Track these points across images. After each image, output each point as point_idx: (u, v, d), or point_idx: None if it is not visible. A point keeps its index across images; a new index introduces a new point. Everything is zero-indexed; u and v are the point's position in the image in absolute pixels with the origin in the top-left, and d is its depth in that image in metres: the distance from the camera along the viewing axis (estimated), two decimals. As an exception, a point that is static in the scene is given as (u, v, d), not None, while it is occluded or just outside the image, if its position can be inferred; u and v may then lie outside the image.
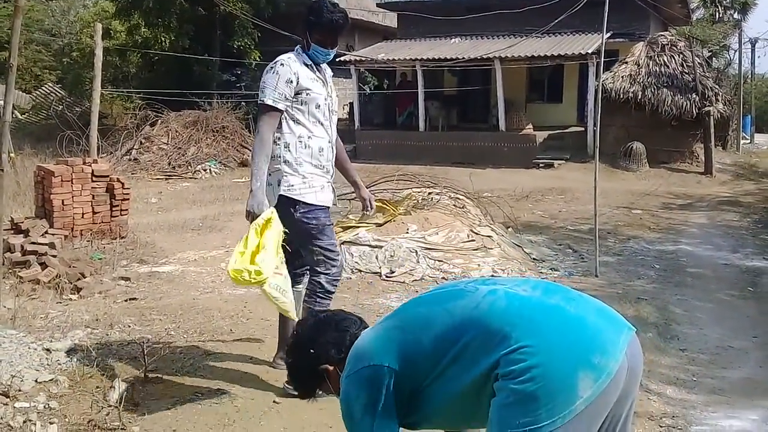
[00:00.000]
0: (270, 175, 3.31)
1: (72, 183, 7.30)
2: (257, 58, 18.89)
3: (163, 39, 17.83)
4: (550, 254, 7.61)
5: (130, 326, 4.52)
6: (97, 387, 3.12)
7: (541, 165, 16.09)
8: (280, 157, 3.32)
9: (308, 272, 3.53)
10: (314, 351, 1.97)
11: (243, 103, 17.71)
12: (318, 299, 3.38)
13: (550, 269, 6.94)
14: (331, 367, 1.95)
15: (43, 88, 22.04)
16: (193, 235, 8.52)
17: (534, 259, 7.31)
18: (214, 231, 8.72)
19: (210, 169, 14.88)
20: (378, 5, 22.10)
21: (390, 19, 22.69)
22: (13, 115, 22.29)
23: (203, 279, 6.38)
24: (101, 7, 23.85)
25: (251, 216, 3.18)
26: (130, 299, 5.83)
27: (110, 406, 2.92)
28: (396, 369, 1.77)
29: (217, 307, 5.22)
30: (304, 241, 3.40)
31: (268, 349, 3.90)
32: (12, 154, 12.47)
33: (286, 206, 3.31)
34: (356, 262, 6.40)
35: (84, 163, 7.51)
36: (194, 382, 3.33)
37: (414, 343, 1.79)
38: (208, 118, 16.03)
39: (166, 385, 3.29)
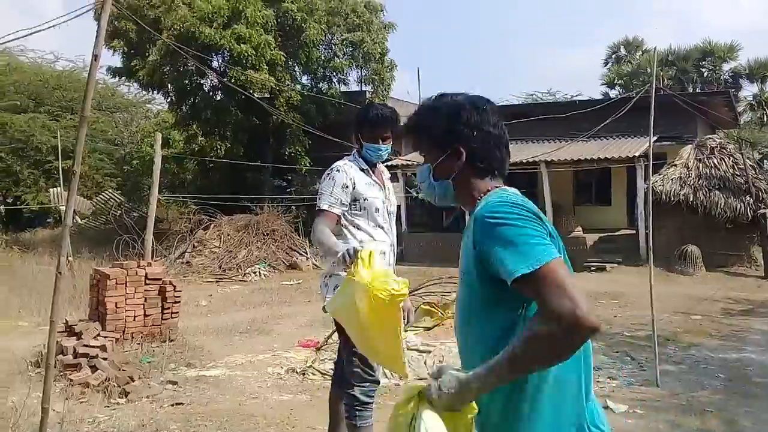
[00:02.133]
0: (329, 277, 3.30)
1: (126, 286, 7.45)
2: (307, 164, 19.51)
3: (218, 147, 18.65)
4: (606, 362, 7.29)
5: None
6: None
7: (592, 268, 15.78)
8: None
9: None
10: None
11: (293, 207, 18.14)
12: (358, 413, 3.26)
13: (608, 378, 6.63)
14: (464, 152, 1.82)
15: (103, 194, 23.03)
16: (241, 338, 8.51)
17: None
18: (262, 334, 8.71)
19: (259, 272, 15.06)
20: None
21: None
22: (74, 220, 23.30)
23: (250, 384, 6.30)
24: (162, 118, 25.25)
25: (345, 258, 2.82)
26: (176, 404, 5.76)
27: None
28: None
29: (262, 413, 5.11)
30: (348, 349, 3.31)
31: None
32: (70, 258, 12.90)
33: None
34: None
35: (138, 266, 7.68)
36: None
37: None
38: (258, 221, 16.44)
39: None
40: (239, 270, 15.06)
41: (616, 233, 17.80)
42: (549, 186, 17.19)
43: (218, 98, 20.00)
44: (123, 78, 21.11)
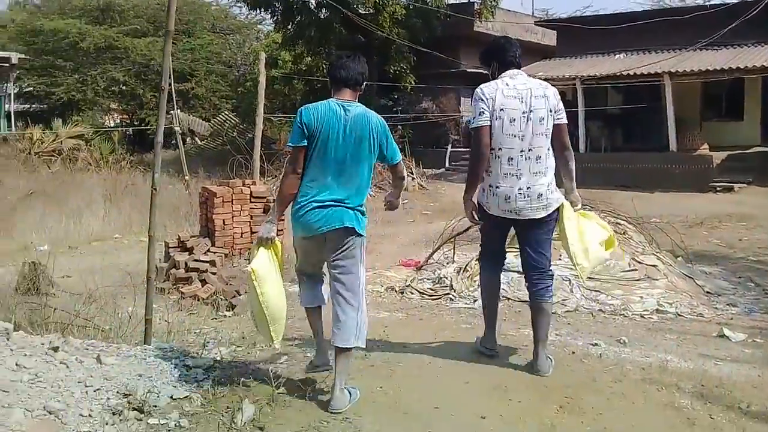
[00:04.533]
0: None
1: (232, 203, 7.67)
2: (412, 82, 19.11)
3: (324, 65, 18.59)
4: (727, 288, 6.77)
5: (270, 345, 4.55)
6: (228, 407, 3.11)
7: (718, 189, 14.69)
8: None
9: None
10: None
11: (399, 126, 17.96)
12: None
13: (728, 305, 6.16)
14: None
15: (220, 116, 23.82)
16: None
17: (707, 292, 6.53)
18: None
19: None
20: (536, 23, 21.56)
21: (549, 38, 22.06)
22: (194, 141, 24.40)
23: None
24: (272, 39, 25.45)
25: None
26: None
27: (236, 429, 2.89)
28: None
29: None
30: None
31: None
32: (186, 177, 13.55)
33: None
34: (504, 290, 6.07)
35: (243, 185, 7.86)
36: (322, 409, 3.24)
37: None
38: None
39: (294, 409, 3.22)
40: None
41: (748, 151, 16.35)
42: (673, 100, 15.92)
43: (323, 16, 19.77)
44: (232, -1, 21.31)
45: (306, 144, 3.40)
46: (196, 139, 24.86)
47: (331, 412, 3.18)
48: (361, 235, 3.51)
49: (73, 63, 24.15)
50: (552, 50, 21.49)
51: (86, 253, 9.58)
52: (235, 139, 19.51)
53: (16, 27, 25.66)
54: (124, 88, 24.34)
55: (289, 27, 20.20)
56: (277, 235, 3.65)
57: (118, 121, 27.73)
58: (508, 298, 6.02)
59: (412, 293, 6.68)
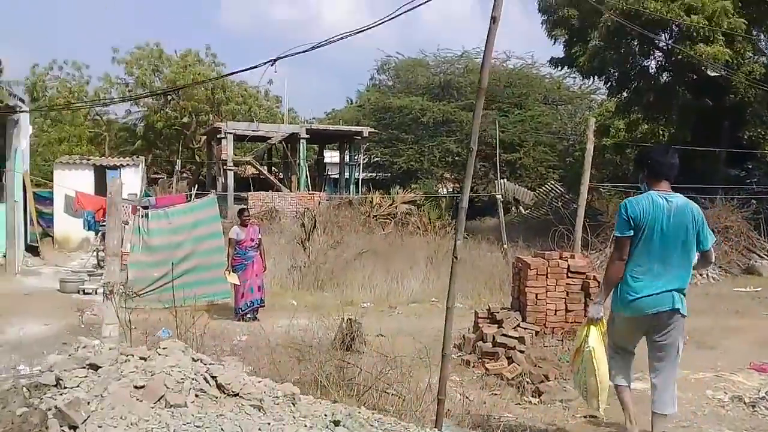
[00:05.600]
0: None
1: (547, 277, 7.05)
2: (774, 150, 16.37)
3: (661, 132, 17.07)
4: None
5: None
6: None
7: None
8: None
9: None
10: None
11: (753, 201, 15.43)
12: None
13: None
14: None
15: (545, 185, 23.54)
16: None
17: None
18: (703, 348, 7.32)
19: (707, 274, 13.16)
20: None
21: None
22: (518, 210, 24.46)
23: (683, 407, 5.15)
24: (605, 108, 24.52)
25: None
26: (590, 416, 5.07)
27: None
28: None
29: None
30: None
31: None
32: (505, 245, 13.31)
33: None
34: None
35: (560, 258, 7.20)
36: None
37: None
38: (709, 216, 14.39)
39: None
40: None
41: None
42: None
43: (663, 80, 18.28)
44: (564, 68, 21.04)
45: (632, 234, 3.88)
46: (521, 208, 24.93)
47: None
48: (685, 316, 4.03)
49: (414, 136, 26.38)
50: None
51: (403, 313, 9.80)
52: (558, 209, 18.89)
53: (370, 105, 29.16)
54: (456, 158, 25.66)
55: (624, 93, 19.13)
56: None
57: (450, 188, 29.32)
58: None
59: (767, 408, 5.22)
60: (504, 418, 4.95)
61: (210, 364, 2.96)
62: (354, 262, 12.35)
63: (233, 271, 8.98)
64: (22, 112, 13.25)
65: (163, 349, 2.99)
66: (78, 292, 10.83)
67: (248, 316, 9.00)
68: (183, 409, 2.64)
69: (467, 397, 5.55)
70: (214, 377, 2.84)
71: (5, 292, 10.87)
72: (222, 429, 2.62)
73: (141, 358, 2.83)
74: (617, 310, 4.10)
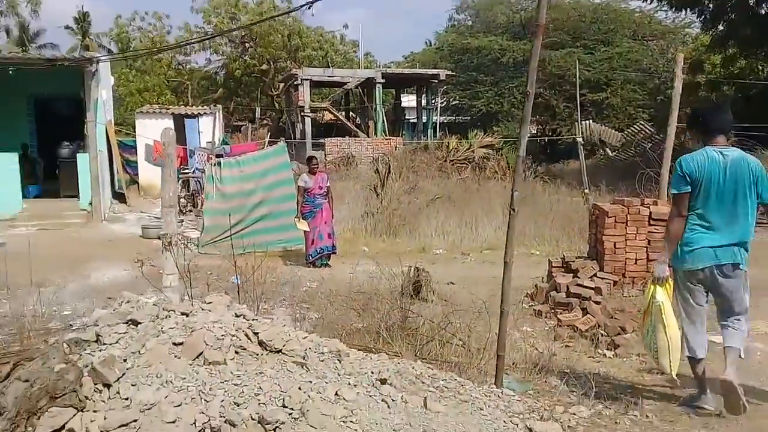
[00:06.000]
0: None
1: (626, 225, 6.62)
2: None
3: (760, 68, 15.72)
4: None
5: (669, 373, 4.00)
6: None
7: None
8: None
9: None
10: None
11: None
12: None
13: None
14: None
15: (634, 126, 22.28)
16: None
17: None
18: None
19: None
20: None
21: None
22: (604, 152, 23.38)
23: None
24: (700, 42, 22.83)
25: None
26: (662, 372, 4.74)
27: None
28: None
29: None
30: None
31: None
32: (586, 190, 12.71)
33: None
34: None
35: (641, 204, 6.73)
36: None
37: None
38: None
39: None
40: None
41: None
42: None
43: (762, 11, 16.70)
44: (655, 0, 19.59)
45: (689, 189, 3.88)
46: (607, 150, 23.79)
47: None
48: (745, 270, 3.94)
49: (494, 77, 25.47)
50: None
51: (475, 260, 9.57)
52: (647, 151, 17.88)
53: (448, 47, 28.28)
54: (539, 99, 24.66)
55: (720, 27, 17.66)
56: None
57: (534, 131, 28.39)
58: None
59: None
60: (574, 371, 4.71)
61: (252, 319, 2.87)
62: (427, 209, 12.15)
63: (303, 219, 8.99)
64: (99, 60, 13.52)
65: (208, 303, 2.92)
66: (158, 238, 11.15)
67: (319, 262, 9.02)
68: (222, 366, 2.56)
69: (537, 349, 5.33)
70: (256, 333, 2.75)
71: (91, 239, 11.36)
72: (260, 387, 2.53)
73: (182, 314, 2.77)
74: (678, 264, 4.01)
